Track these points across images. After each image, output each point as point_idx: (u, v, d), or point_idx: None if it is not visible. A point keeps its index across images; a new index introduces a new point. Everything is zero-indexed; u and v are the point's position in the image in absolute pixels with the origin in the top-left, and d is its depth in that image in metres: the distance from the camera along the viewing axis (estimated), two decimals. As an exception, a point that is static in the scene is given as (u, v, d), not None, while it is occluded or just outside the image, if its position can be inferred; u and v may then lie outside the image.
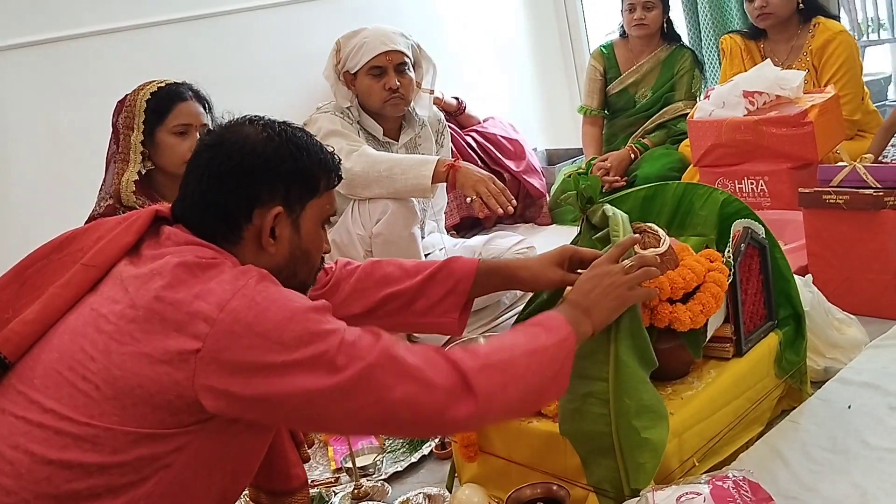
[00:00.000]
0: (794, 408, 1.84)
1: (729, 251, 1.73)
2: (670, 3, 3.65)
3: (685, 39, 3.83)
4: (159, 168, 2.22)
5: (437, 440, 2.03)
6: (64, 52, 3.04)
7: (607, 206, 1.74)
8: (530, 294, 2.57)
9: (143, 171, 2.18)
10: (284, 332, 1.13)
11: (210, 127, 2.27)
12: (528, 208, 3.86)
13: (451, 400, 1.17)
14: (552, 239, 3.23)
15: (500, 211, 2.46)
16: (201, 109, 2.25)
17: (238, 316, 1.13)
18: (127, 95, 2.23)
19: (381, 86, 2.62)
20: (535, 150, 4.10)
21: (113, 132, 2.24)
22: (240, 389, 1.13)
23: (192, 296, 1.14)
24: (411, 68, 2.68)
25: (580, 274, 1.50)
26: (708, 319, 1.67)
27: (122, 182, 2.15)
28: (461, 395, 1.17)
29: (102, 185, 2.26)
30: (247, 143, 1.29)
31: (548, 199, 3.85)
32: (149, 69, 2.44)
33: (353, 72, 2.66)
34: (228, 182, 1.27)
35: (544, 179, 3.93)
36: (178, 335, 1.12)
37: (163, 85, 2.24)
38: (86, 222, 2.25)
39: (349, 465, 1.90)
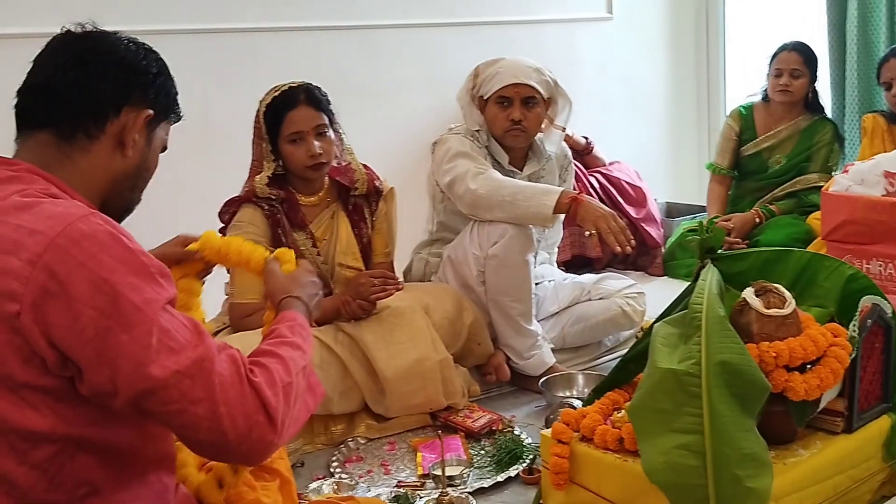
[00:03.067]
0: (897, 495, 1.78)
1: (854, 326, 1.70)
2: (818, 73, 3.59)
3: (828, 112, 3.75)
4: (289, 170, 2.44)
5: (525, 464, 2.06)
6: (226, 43, 3.24)
7: (705, 270, 1.73)
8: (633, 339, 2.60)
9: (278, 172, 2.42)
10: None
11: (327, 126, 2.39)
12: (642, 257, 3.83)
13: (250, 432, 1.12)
14: (663, 290, 3.21)
15: (618, 249, 2.45)
16: (313, 112, 2.38)
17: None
18: (260, 103, 2.41)
19: (506, 116, 2.66)
20: (655, 200, 4.08)
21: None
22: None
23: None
24: (541, 104, 2.70)
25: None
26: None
27: (256, 181, 2.39)
28: (263, 427, 1.13)
29: (247, 178, 2.46)
30: (119, 43, 1.28)
31: (663, 250, 3.82)
32: (300, 69, 2.58)
33: (485, 98, 2.72)
34: (105, 72, 1.23)
35: (662, 230, 3.91)
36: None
37: (277, 94, 2.39)
38: (224, 204, 2.42)
39: (437, 472, 1.94)
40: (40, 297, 1.06)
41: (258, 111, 2.40)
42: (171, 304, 1.14)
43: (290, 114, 2.36)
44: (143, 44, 1.33)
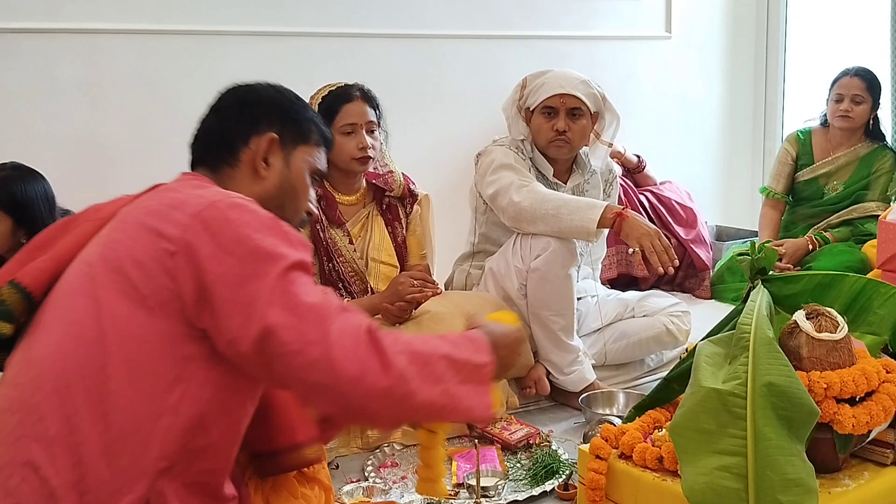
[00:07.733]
0: (948, 535, 1.71)
1: (908, 357, 1.64)
2: (881, 101, 3.51)
3: (889, 140, 3.66)
4: (332, 164, 2.42)
5: (561, 479, 2.03)
6: (282, 47, 3.28)
7: (755, 291, 1.69)
8: (677, 360, 2.55)
9: None
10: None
11: (376, 125, 2.42)
12: (689, 279, 3.78)
13: (363, 374, 1.16)
14: (709, 313, 3.15)
15: (661, 270, 2.40)
16: (367, 108, 2.43)
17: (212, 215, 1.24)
18: (312, 97, 2.44)
19: (550, 126, 2.64)
20: (705, 222, 4.02)
21: None
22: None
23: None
24: (587, 116, 2.66)
25: None
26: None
27: None
28: (377, 373, 1.16)
29: None
30: (253, 87, 1.52)
31: (711, 273, 3.76)
32: (355, 75, 2.59)
33: (531, 109, 2.70)
34: (232, 112, 1.47)
35: (711, 253, 3.85)
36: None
37: (333, 88, 2.45)
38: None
39: (472, 482, 1.92)
40: (194, 243, 1.21)
41: (309, 104, 2.42)
42: (304, 268, 1.24)
43: (347, 106, 2.41)
44: (282, 88, 1.53)
